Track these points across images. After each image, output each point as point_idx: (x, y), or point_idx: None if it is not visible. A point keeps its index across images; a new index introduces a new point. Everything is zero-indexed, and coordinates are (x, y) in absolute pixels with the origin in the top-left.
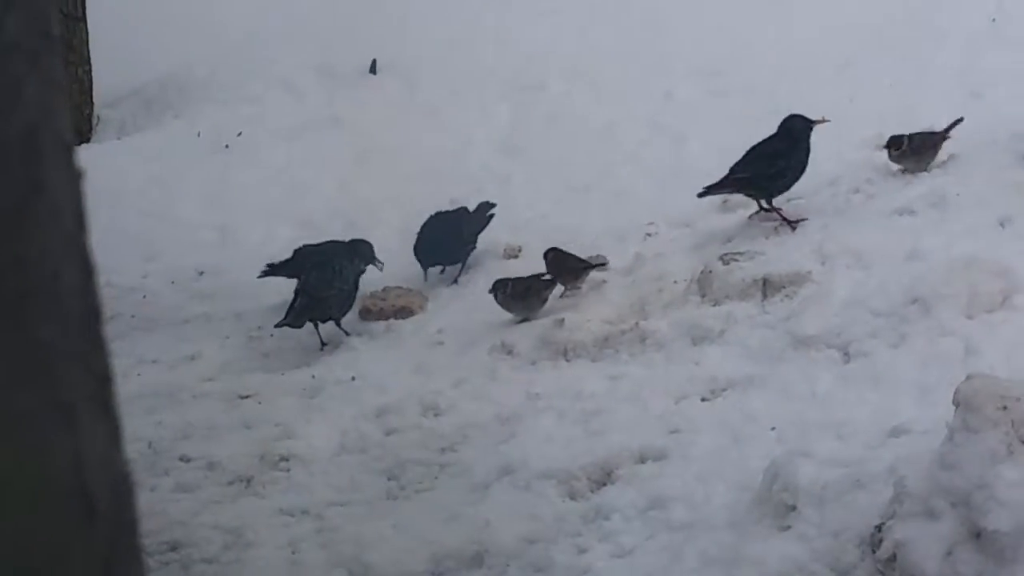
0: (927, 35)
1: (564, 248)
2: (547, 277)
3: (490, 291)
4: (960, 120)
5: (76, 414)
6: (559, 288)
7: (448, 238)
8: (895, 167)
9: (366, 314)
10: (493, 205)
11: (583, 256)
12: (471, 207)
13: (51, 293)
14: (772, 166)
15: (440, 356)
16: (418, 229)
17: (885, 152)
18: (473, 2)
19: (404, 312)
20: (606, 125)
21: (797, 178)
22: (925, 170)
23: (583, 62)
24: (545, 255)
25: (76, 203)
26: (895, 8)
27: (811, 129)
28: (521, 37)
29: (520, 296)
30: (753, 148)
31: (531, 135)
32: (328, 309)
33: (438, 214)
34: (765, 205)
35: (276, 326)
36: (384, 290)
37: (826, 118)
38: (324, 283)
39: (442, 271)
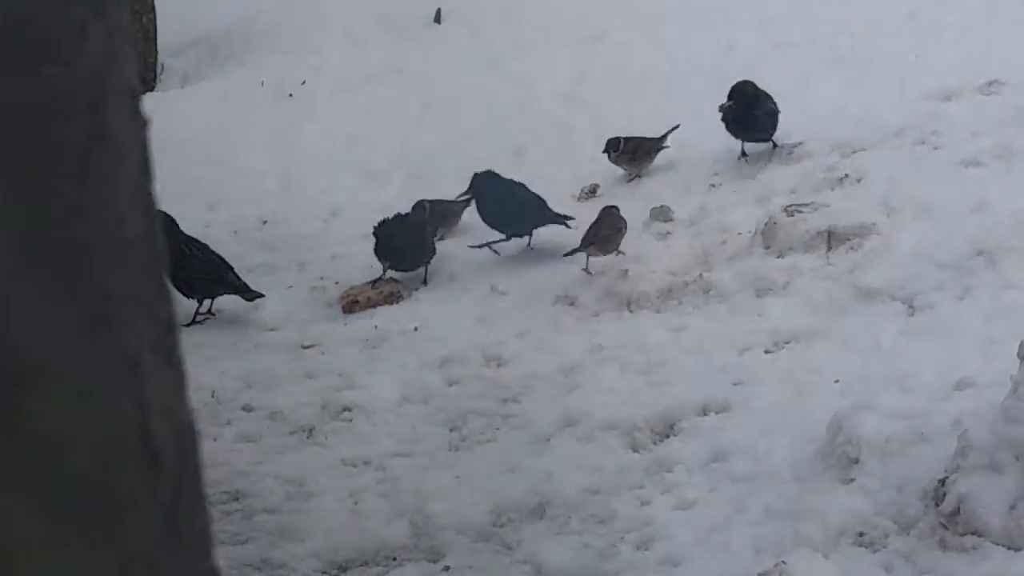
0: None
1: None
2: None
3: (603, 151)
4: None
5: (139, 363)
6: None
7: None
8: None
9: (352, 307)
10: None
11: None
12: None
13: (114, 241)
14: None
15: (503, 308)
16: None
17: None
18: None
19: (393, 298)
20: (668, 77)
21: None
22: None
23: (645, 13)
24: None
25: (141, 151)
26: None
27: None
28: None
29: (631, 153)
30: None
31: (593, 86)
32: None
33: (397, 216)
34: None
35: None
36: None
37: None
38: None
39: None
